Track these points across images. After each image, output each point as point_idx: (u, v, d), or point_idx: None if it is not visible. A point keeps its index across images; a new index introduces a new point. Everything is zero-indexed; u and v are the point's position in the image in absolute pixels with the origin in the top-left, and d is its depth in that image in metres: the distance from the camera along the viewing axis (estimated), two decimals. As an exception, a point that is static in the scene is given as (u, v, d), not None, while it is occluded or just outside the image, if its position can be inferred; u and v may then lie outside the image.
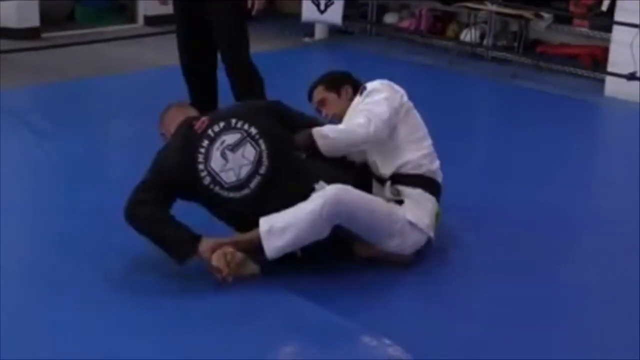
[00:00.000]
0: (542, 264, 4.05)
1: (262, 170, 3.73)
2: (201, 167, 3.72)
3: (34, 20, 8.17)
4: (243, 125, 3.78)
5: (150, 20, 9.01)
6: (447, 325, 3.49)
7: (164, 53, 7.86)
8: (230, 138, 3.75)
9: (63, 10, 9.00)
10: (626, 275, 3.96)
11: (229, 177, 3.71)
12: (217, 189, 3.72)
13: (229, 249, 3.59)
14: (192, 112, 4.02)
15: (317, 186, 3.71)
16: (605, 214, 4.74)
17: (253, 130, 3.76)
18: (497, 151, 5.87)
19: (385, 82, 4.06)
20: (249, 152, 3.73)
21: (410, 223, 3.81)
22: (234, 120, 3.79)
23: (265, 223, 3.63)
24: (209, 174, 3.72)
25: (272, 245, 3.62)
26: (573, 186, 5.15)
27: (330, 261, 3.84)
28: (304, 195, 3.68)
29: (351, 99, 4.07)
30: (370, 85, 4.03)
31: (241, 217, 3.71)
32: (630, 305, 3.68)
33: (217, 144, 3.75)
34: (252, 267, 3.65)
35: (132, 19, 9.17)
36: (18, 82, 6.60)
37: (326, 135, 3.87)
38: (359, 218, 3.70)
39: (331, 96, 4.10)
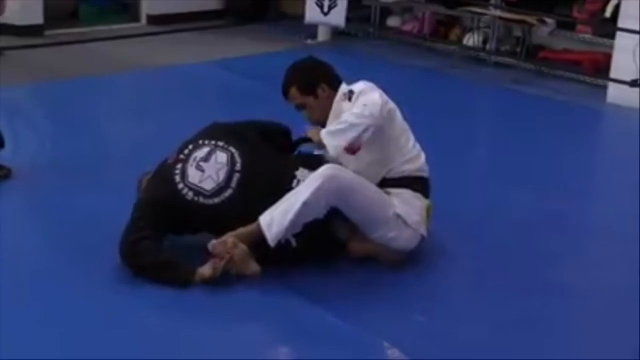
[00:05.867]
0: (541, 270, 4.04)
1: (238, 167, 3.83)
2: (181, 186, 3.82)
3: (37, 18, 8.17)
4: (210, 141, 3.94)
5: (153, 20, 9.04)
6: (445, 328, 3.49)
7: (167, 52, 7.90)
8: (201, 153, 3.90)
9: (67, 8, 9.01)
10: (625, 282, 3.96)
11: (209, 185, 3.80)
12: (201, 199, 3.79)
13: (230, 239, 3.62)
14: None
15: (298, 173, 3.77)
16: (606, 221, 4.73)
17: (221, 143, 3.93)
18: (498, 156, 5.87)
19: (370, 84, 3.93)
20: (221, 157, 3.87)
21: (400, 217, 3.81)
22: (201, 141, 3.96)
23: (266, 215, 3.64)
24: (190, 189, 3.80)
25: (274, 231, 3.62)
26: (574, 192, 5.14)
27: (328, 262, 3.84)
28: (286, 184, 3.73)
29: (329, 97, 3.94)
30: (357, 89, 3.87)
31: (234, 221, 3.70)
32: (629, 313, 3.68)
33: (190, 161, 3.87)
34: (254, 267, 3.65)
35: (136, 18, 9.18)
36: (21, 79, 6.60)
37: (331, 132, 3.76)
38: (355, 198, 3.71)
39: (309, 100, 3.96)
